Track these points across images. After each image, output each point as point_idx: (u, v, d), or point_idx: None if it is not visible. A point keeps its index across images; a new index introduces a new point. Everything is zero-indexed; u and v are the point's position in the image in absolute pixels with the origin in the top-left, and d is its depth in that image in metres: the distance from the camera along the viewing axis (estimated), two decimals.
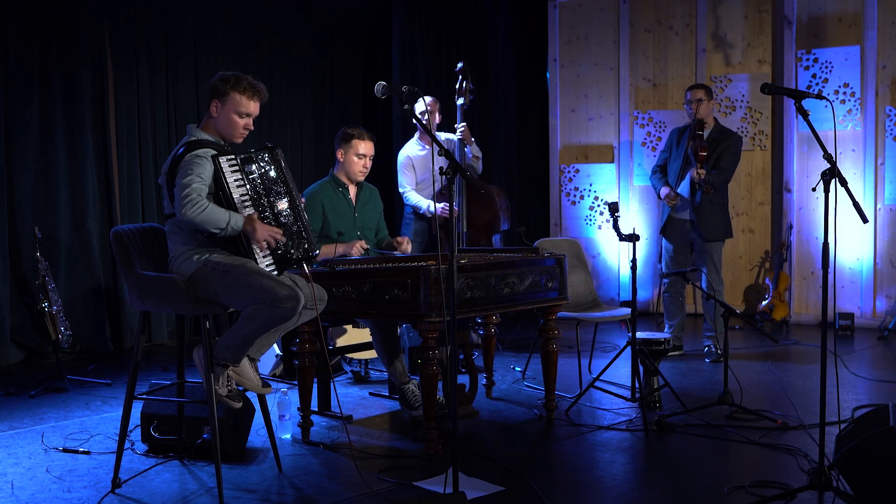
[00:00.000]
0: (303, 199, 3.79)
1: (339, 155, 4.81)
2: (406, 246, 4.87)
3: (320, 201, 4.76)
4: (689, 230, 6.10)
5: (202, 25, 7.21)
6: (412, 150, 6.37)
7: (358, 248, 4.69)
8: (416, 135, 6.43)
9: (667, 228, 6.17)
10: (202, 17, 7.21)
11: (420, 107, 5.93)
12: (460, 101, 6.16)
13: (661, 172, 6.25)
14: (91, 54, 6.52)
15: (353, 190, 4.87)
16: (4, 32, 6.09)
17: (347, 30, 8.46)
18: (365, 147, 4.78)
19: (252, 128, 3.70)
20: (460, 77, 6.18)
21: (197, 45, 7.18)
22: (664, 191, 6.08)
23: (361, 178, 4.85)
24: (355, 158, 4.78)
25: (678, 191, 6.06)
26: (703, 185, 5.84)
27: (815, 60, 7.72)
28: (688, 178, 5.99)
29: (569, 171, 8.71)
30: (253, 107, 3.65)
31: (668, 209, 6.14)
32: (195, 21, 7.16)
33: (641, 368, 4.71)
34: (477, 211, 6.27)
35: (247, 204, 3.54)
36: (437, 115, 6.24)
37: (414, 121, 5.94)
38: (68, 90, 6.41)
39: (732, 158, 6.02)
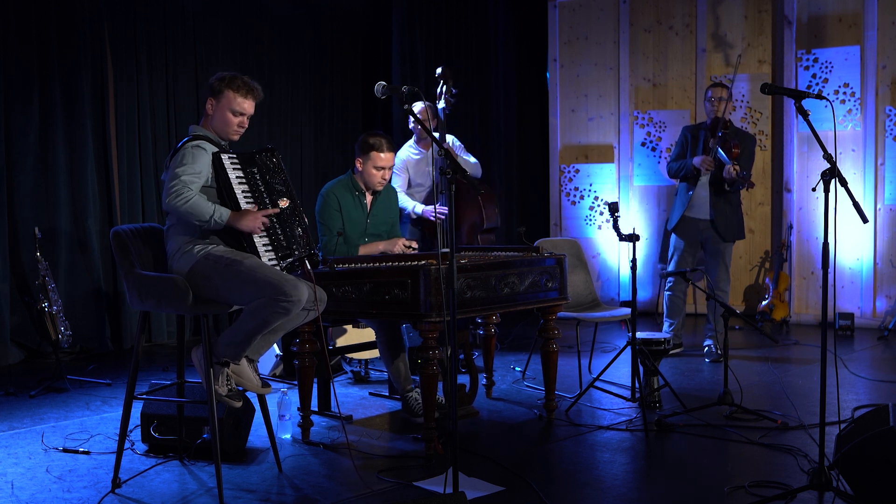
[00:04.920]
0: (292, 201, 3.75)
1: (358, 164, 4.70)
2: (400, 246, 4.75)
3: (337, 200, 4.69)
4: (703, 230, 6.13)
5: (202, 25, 7.21)
6: (408, 153, 6.34)
7: (400, 247, 4.66)
8: (413, 138, 6.40)
9: (680, 226, 6.18)
10: (202, 17, 7.21)
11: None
12: (441, 105, 6.09)
13: (682, 159, 6.23)
14: (91, 54, 6.52)
15: (369, 196, 4.80)
16: (4, 32, 6.09)
17: (347, 30, 8.46)
18: (384, 159, 4.67)
19: (246, 126, 3.70)
20: (441, 82, 6.12)
21: (197, 45, 7.18)
22: (697, 159, 6.02)
23: (380, 189, 4.77)
24: (374, 171, 4.67)
25: (697, 189, 6.08)
26: (743, 181, 5.92)
27: (815, 60, 7.71)
28: (708, 176, 6.01)
29: (569, 171, 8.71)
30: (247, 105, 3.65)
31: (682, 207, 6.15)
32: (195, 21, 7.16)
33: (641, 368, 4.71)
34: (462, 212, 6.21)
35: (249, 200, 3.56)
36: (431, 120, 6.20)
37: (414, 124, 5.94)
38: (68, 90, 6.40)
39: (749, 159, 6.14)
